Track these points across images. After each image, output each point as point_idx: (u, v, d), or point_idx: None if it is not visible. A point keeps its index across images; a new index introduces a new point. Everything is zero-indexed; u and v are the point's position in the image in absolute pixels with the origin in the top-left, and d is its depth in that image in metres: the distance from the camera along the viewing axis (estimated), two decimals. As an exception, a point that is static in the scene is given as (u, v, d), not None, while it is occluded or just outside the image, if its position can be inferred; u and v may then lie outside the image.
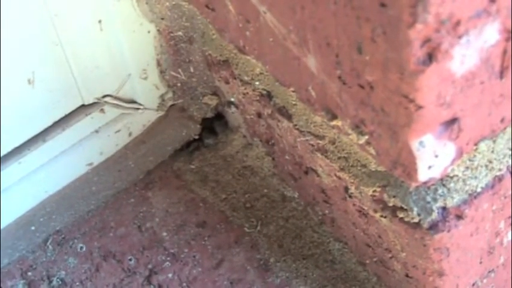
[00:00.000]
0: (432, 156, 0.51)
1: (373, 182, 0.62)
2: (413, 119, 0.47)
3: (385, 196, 0.61)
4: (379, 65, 0.46)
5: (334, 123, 0.60)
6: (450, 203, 0.58)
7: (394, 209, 0.61)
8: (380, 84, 0.48)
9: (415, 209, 0.59)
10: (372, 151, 0.57)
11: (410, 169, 0.53)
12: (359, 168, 0.64)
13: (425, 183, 0.54)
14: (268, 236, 0.85)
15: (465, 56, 0.44)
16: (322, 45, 0.53)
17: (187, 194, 0.90)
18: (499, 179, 0.58)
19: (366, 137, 0.56)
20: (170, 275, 0.82)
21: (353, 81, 0.52)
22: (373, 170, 0.62)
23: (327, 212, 0.80)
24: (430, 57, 0.43)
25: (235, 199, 0.89)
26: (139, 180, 0.91)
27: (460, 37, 0.43)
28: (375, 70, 0.47)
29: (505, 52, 0.46)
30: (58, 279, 0.83)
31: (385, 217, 0.64)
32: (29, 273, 0.84)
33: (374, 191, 0.63)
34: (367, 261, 0.77)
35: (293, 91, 0.66)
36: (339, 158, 0.66)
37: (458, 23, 0.42)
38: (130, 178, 0.91)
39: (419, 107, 0.46)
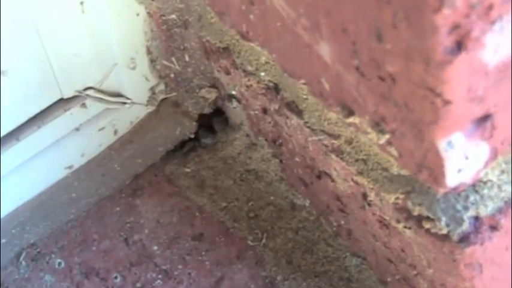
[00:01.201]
0: (462, 158, 0.52)
1: (396, 188, 0.63)
2: (440, 115, 0.48)
3: (409, 204, 0.62)
4: (402, 55, 0.47)
5: (350, 120, 0.61)
6: (483, 212, 0.58)
7: (420, 219, 0.62)
8: (403, 76, 0.49)
9: (444, 218, 0.60)
10: (394, 152, 0.58)
11: (437, 173, 0.54)
12: (379, 172, 0.65)
13: (454, 189, 0.55)
14: (275, 250, 0.87)
15: (499, 44, 0.45)
16: (337, 31, 0.54)
17: (181, 202, 0.91)
18: (540, 184, 0.58)
19: (387, 136, 0.57)
20: (162, 295, 0.83)
21: (372, 73, 0.53)
22: (396, 174, 0.63)
23: (342, 222, 0.80)
24: (459, 46, 0.44)
25: (237, 208, 0.90)
26: (126, 185, 0.92)
27: (492, 23, 0.44)
28: (397, 60, 0.48)
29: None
30: (33, 300, 0.84)
31: (409, 228, 0.65)
32: (0, 293, 0.84)
33: (396, 199, 0.63)
34: (389, 279, 0.78)
35: (304, 83, 0.67)
36: (357, 160, 0.67)
37: (490, 7, 0.43)
38: (116, 183, 0.92)
39: (447, 102, 0.47)
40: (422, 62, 0.45)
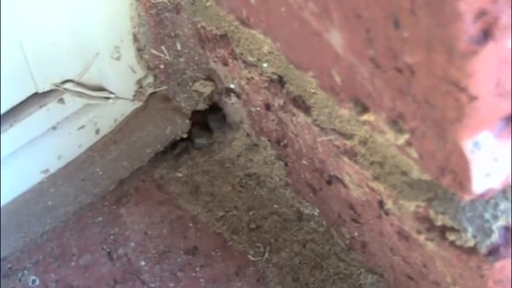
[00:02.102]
0: (490, 160, 0.53)
1: (416, 194, 0.64)
2: (465, 112, 0.49)
3: (432, 213, 0.63)
4: (421, 44, 0.48)
5: (365, 117, 0.62)
6: (515, 221, 0.59)
7: (443, 230, 0.63)
8: (423, 68, 0.50)
9: (470, 229, 0.60)
10: (414, 154, 0.58)
11: (462, 177, 0.54)
12: (398, 176, 0.65)
13: (482, 195, 0.56)
14: (280, 265, 0.87)
15: (531, 32, 0.45)
16: (350, 18, 0.55)
17: (172, 211, 0.92)
18: None
19: (406, 135, 0.58)
20: (150, 317, 0.84)
21: (389, 64, 0.53)
22: (416, 179, 0.63)
23: (356, 234, 0.81)
24: (486, 35, 0.45)
25: (236, 218, 0.91)
26: (110, 192, 0.93)
27: (524, 9, 0.44)
28: (416, 50, 0.49)
29: None
30: (4, 322, 0.85)
31: (431, 240, 0.65)
32: (-34, 314, 0.85)
33: (417, 207, 0.64)
34: (409, 299, 0.78)
35: (312, 76, 0.68)
36: (372, 163, 0.68)
37: (521, -8, 0.43)
38: (98, 190, 0.93)
39: (473, 98, 0.48)
40: (445, 52, 0.46)
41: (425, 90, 0.51)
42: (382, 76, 0.55)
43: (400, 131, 0.58)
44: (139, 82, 0.90)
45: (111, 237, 0.90)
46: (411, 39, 0.49)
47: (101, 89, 0.88)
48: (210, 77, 0.92)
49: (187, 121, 0.94)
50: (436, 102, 0.51)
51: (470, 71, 0.46)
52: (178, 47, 0.88)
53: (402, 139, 0.58)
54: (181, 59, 0.89)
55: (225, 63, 0.84)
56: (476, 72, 0.46)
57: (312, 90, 0.71)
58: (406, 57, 0.51)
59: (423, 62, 0.49)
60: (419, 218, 0.64)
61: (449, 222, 0.61)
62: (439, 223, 0.62)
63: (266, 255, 0.88)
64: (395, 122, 0.58)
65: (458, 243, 0.62)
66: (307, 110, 0.73)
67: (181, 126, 0.94)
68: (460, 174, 0.54)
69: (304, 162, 0.81)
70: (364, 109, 0.61)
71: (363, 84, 0.59)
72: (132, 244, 0.89)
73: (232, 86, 0.87)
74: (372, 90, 0.58)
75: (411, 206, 0.64)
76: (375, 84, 0.57)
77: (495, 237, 0.59)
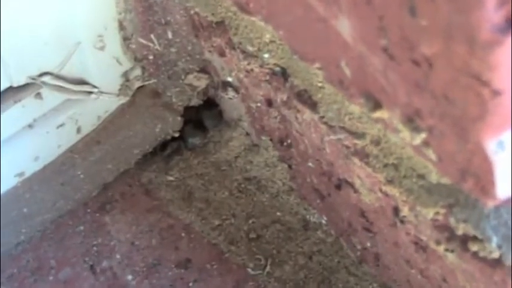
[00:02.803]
0: None
1: (435, 200, 0.64)
2: (488, 109, 0.49)
3: (452, 221, 0.63)
4: (440, 33, 0.49)
5: (377, 114, 0.62)
6: (545, 230, 0.59)
7: (465, 240, 0.63)
8: (441, 59, 0.50)
9: (495, 238, 0.60)
10: (432, 155, 0.59)
11: (485, 181, 0.55)
12: (414, 180, 0.66)
13: (507, 201, 0.56)
14: (283, 280, 0.87)
15: (560, 21, 0.46)
16: (360, 3, 0.55)
17: (162, 219, 0.92)
18: None
19: (423, 135, 0.58)
20: (138, 337, 0.85)
21: (404, 56, 0.54)
22: (434, 182, 0.63)
23: (368, 245, 0.81)
24: (510, 23, 0.45)
25: (234, 227, 0.92)
26: (93, 198, 0.93)
27: (552, -5, 0.44)
28: (435, 40, 0.49)
29: None
30: None
31: (451, 251, 0.65)
32: None
33: (436, 214, 0.64)
34: (427, 317, 0.79)
35: (318, 68, 0.68)
36: (386, 165, 0.68)
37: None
38: (79, 195, 0.93)
39: (497, 93, 0.48)
40: (465, 42, 0.47)
41: (444, 84, 0.51)
42: (397, 69, 0.55)
43: (416, 129, 0.58)
44: (125, 75, 0.91)
45: (94, 248, 0.91)
46: (429, 28, 0.49)
47: (82, 82, 0.88)
48: (204, 69, 0.92)
49: (179, 118, 0.94)
50: (456, 97, 0.51)
51: (494, 63, 0.46)
52: (169, 35, 0.88)
53: (419, 139, 0.58)
54: (173, 49, 0.89)
55: (222, 54, 0.84)
56: (500, 64, 0.46)
57: (319, 84, 0.71)
58: (423, 47, 0.51)
59: (442, 53, 0.49)
60: (438, 226, 0.65)
61: (472, 231, 0.62)
62: (460, 232, 0.63)
63: (267, 268, 0.88)
64: (411, 120, 0.58)
65: (481, 254, 0.62)
66: (313, 106, 0.73)
67: (172, 124, 0.94)
68: (483, 178, 0.54)
69: (310, 164, 0.82)
70: (377, 105, 0.62)
71: (375, 78, 0.59)
72: (118, 256, 0.89)
73: (229, 79, 0.87)
74: (385, 84, 0.58)
75: (429, 213, 0.64)
76: (388, 78, 0.57)
77: (522, 247, 0.59)
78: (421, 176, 0.64)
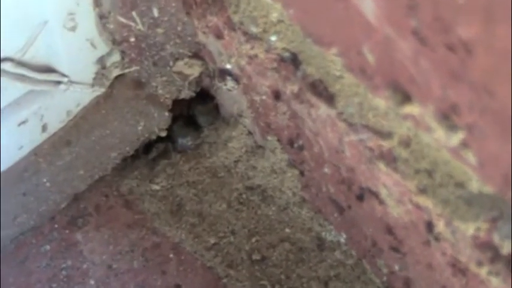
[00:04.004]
0: None
1: (476, 213, 0.63)
2: None
3: (496, 238, 0.62)
4: (480, 13, 0.48)
5: (407, 110, 0.62)
6: None
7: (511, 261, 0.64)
8: (481, 44, 0.50)
9: None
10: (472, 159, 0.59)
11: None
12: (451, 189, 0.65)
13: None
14: (292, 311, 0.92)
15: None
16: None
17: (146, 237, 0.90)
18: None
19: (461, 134, 0.58)
20: None
21: (437, 40, 0.54)
22: (475, 192, 0.63)
23: (396, 268, 0.81)
24: None
25: (234, 246, 0.89)
26: (61, 211, 0.91)
27: None
28: (473, 21, 0.49)
29: None
30: None
31: (496, 275, 0.65)
32: None
33: (477, 229, 0.64)
34: None
35: (336, 54, 0.68)
36: (417, 171, 0.67)
37: None
38: (45, 208, 0.91)
39: None
40: (509, 23, 0.46)
41: (484, 74, 0.51)
42: (429, 55, 0.55)
43: (453, 128, 0.58)
44: (101, 61, 0.89)
45: (63, 272, 0.87)
46: (466, 7, 0.49)
47: (49, 70, 0.86)
48: (198, 55, 0.90)
49: (167, 114, 0.92)
50: (498, 90, 0.51)
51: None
52: (155, 13, 0.86)
53: (456, 139, 0.58)
54: (159, 30, 0.87)
55: (219, 36, 0.83)
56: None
57: (337, 73, 0.71)
58: (459, 30, 0.51)
59: (482, 36, 0.49)
60: (479, 244, 0.64)
61: (520, 251, 0.65)
62: (505, 251, 0.62)
63: (274, 296, 0.93)
64: (447, 117, 0.58)
65: (532, 279, 0.66)
66: (330, 99, 0.73)
67: (158, 122, 0.92)
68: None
69: (326, 170, 0.81)
70: (406, 99, 0.61)
71: (403, 66, 0.59)
72: (92, 282, 0.86)
73: (228, 66, 0.86)
74: (415, 73, 0.58)
75: (469, 228, 0.64)
76: (419, 66, 0.57)
77: None
78: (459, 185, 0.64)
